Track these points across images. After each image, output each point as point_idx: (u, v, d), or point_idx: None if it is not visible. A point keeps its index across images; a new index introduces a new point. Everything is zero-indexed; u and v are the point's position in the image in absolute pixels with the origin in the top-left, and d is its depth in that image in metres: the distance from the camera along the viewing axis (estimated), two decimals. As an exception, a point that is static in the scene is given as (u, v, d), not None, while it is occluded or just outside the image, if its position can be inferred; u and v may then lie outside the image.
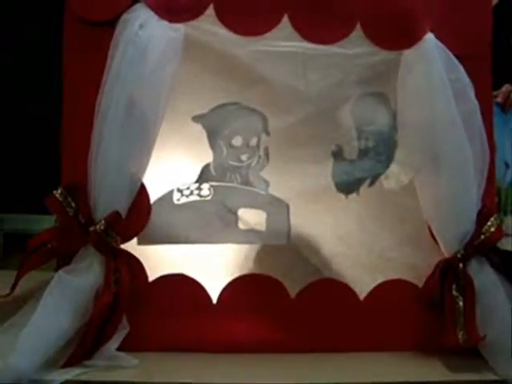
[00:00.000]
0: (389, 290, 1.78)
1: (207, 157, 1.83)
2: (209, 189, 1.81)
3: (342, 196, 1.86)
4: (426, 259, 1.79)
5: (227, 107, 1.80)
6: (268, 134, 1.82)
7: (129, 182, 1.64)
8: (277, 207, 1.81)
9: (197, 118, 1.79)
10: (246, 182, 1.83)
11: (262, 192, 1.83)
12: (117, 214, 1.62)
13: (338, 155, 1.83)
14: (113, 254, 1.63)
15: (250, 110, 1.81)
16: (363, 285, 1.79)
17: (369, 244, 1.85)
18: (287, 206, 1.82)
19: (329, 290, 1.76)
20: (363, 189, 1.86)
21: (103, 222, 1.61)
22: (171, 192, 1.79)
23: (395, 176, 1.83)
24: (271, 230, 1.81)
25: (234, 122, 1.82)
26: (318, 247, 1.84)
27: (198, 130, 1.81)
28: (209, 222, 1.78)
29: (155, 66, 1.66)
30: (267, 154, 1.84)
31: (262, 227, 1.81)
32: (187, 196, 1.79)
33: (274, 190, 1.83)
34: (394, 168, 1.84)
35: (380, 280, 1.79)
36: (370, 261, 1.84)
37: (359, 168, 1.84)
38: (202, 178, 1.82)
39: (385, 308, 1.76)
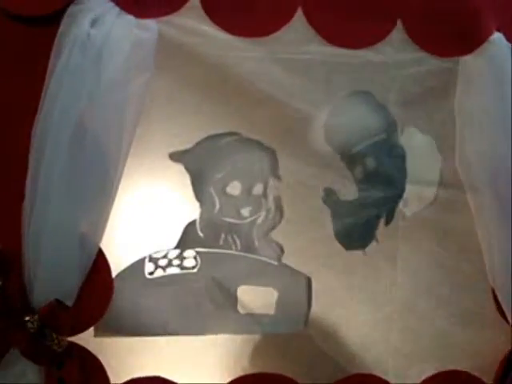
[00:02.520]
0: (443, 385, 1.61)
1: (192, 211, 1.58)
2: (195, 257, 1.55)
3: (359, 253, 1.61)
4: (491, 342, 1.60)
5: (220, 140, 1.56)
6: (278, 177, 1.58)
7: (79, 248, 1.40)
8: (293, 282, 1.57)
9: (177, 156, 1.54)
10: (250, 248, 1.58)
11: (273, 261, 1.57)
12: (57, 304, 1.35)
13: (330, 201, 1.59)
14: (53, 359, 1.38)
15: (252, 144, 1.57)
16: (408, 378, 1.60)
17: (413, 324, 1.62)
18: (308, 281, 1.58)
19: (365, 389, 1.59)
20: (381, 232, 1.61)
21: (37, 317, 1.34)
22: (142, 262, 1.55)
23: (416, 197, 1.63)
24: (284, 314, 1.58)
25: (229, 162, 1.58)
26: (347, 333, 1.60)
27: (179, 172, 1.55)
28: (195, 304, 1.54)
29: (115, 80, 1.41)
30: (280, 207, 1.58)
31: (271, 310, 1.57)
32: (164, 268, 1.54)
33: (290, 258, 1.58)
34: (411, 188, 1.63)
35: (430, 372, 1.61)
36: (416, 347, 1.62)
37: (365, 205, 1.61)
38: (185, 242, 1.56)
39: (439, 409, 1.58)
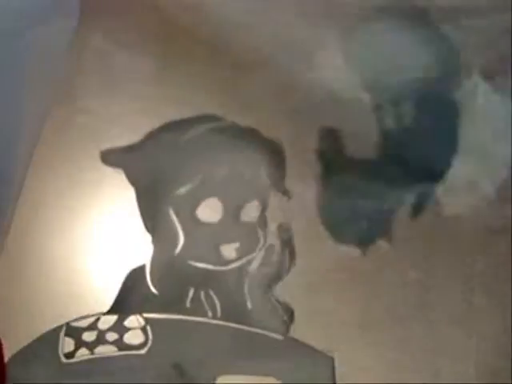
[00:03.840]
0: None
1: (138, 249, 1.18)
2: (143, 329, 1.12)
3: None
4: None
5: (187, 129, 1.19)
6: (286, 192, 1.19)
7: None
8: (310, 367, 1.14)
9: (114, 157, 1.19)
10: (237, 312, 1.16)
11: (275, 335, 1.15)
12: None
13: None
14: None
15: (242, 135, 1.19)
16: None
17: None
18: (331, 363, 1.16)
19: None
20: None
21: None
22: (54, 335, 1.14)
23: (467, 186, 1.26)
24: None
25: (202, 165, 1.19)
26: None
27: (117, 182, 1.19)
28: None
29: (6, 31, 1.12)
30: (289, 242, 1.18)
31: None
32: (91, 346, 1.11)
33: (302, 328, 1.16)
34: (462, 170, 1.25)
35: None
36: None
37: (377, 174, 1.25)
38: (127, 303, 1.15)
39: None
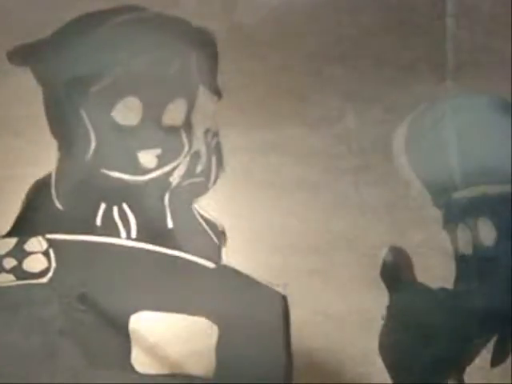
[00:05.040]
0: None
1: (42, 157, 0.99)
2: (46, 253, 0.93)
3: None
4: None
5: (103, 20, 0.99)
6: (217, 90, 1.00)
7: None
8: (253, 305, 0.94)
9: (21, 54, 0.99)
10: (157, 232, 0.96)
11: (206, 261, 0.94)
12: None
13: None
14: None
15: (166, 24, 0.98)
16: None
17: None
18: (283, 301, 0.96)
19: None
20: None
21: None
22: None
23: None
24: (236, 369, 0.94)
25: (119, 58, 0.98)
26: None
27: (25, 82, 1.00)
28: (47, 349, 0.93)
29: None
30: (217, 149, 1.00)
31: (205, 369, 0.93)
32: None
33: (239, 251, 0.97)
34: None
35: None
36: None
37: (459, 311, 1.03)
38: (28, 223, 0.98)
39: None
